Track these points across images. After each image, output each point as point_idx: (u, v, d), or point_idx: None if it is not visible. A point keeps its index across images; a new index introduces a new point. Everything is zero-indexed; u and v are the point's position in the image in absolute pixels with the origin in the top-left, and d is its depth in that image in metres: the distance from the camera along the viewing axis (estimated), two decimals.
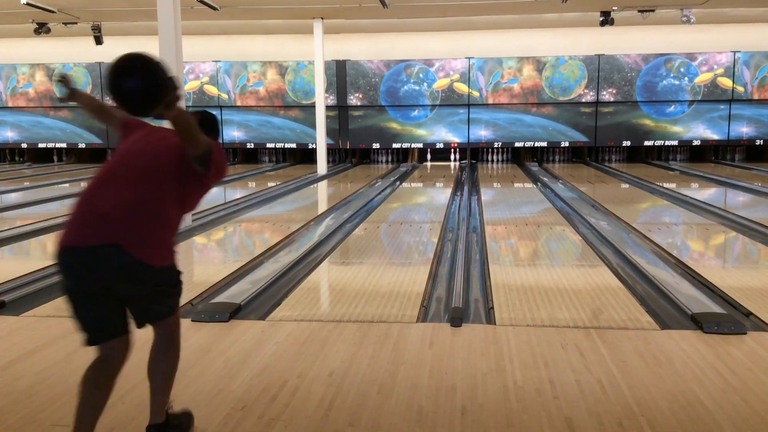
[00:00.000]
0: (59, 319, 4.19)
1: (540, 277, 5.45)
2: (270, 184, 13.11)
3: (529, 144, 17.08)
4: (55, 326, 4.07)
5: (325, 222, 8.47)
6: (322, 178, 14.35)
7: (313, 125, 16.15)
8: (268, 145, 17.85)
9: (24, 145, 17.99)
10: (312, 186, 13.13)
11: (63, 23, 14.35)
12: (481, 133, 17.08)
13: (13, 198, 11.34)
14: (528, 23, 15.58)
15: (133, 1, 12.38)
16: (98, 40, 14.53)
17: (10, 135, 18.06)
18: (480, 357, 3.59)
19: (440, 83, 16.85)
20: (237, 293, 4.92)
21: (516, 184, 13.09)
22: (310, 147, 17.26)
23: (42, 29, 14.53)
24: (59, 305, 4.54)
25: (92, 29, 14.40)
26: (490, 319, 4.32)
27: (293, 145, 17.71)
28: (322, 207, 10.67)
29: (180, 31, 7.79)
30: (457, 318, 4.17)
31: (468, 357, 3.60)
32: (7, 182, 13.50)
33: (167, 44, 7.65)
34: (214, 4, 12.66)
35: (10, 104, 17.87)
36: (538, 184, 12.68)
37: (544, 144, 17.03)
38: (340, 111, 17.30)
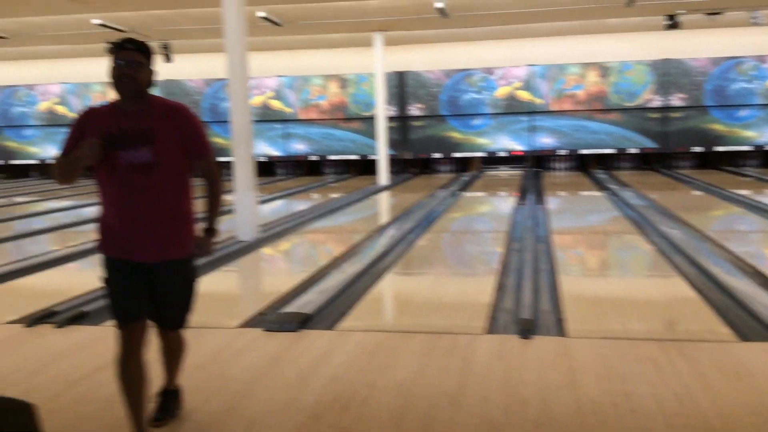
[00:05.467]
0: None
1: (611, 288, 5.33)
2: (332, 196, 13.26)
3: (595, 151, 16.76)
4: None
5: (388, 232, 8.48)
6: (384, 188, 14.42)
7: (374, 136, 16.26)
8: (330, 157, 18.07)
9: None
10: (374, 197, 13.21)
11: None
12: (545, 141, 16.87)
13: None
14: (591, 29, 15.33)
15: (201, 19, 12.76)
16: (167, 59, 15.01)
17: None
18: (552, 370, 3.53)
19: (501, 91, 16.74)
20: (305, 303, 4.98)
21: (582, 192, 12.86)
22: (371, 158, 17.37)
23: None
24: None
25: (161, 48, 14.88)
26: (560, 331, 4.25)
27: (355, 157, 17.87)
28: (384, 217, 10.72)
29: (246, 48, 7.97)
30: (527, 330, 4.11)
31: (539, 369, 3.54)
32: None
33: (234, 60, 7.84)
34: (278, 20, 12.93)
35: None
36: (606, 191, 12.41)
37: (611, 150, 16.69)
38: (400, 121, 17.38)
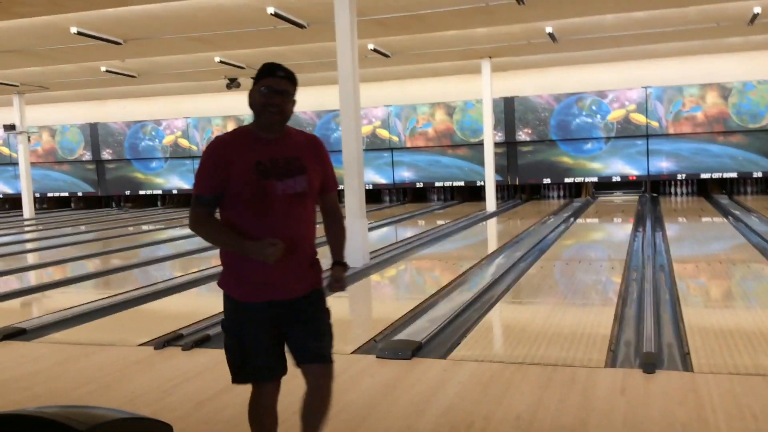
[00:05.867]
0: None
1: (739, 320, 5.03)
2: (439, 222, 13.28)
3: (716, 175, 15.93)
4: None
5: (497, 260, 8.39)
6: (492, 215, 14.29)
7: (481, 162, 16.20)
8: (437, 184, 18.14)
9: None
10: (481, 223, 13.11)
11: (251, 77, 15.63)
12: (662, 165, 16.21)
13: None
14: (710, 48, 14.68)
15: (314, 54, 13.24)
16: None
17: None
18: (678, 406, 3.37)
19: (615, 114, 16.28)
20: (416, 331, 4.99)
21: (704, 218, 12.24)
22: (478, 184, 17.29)
23: (233, 84, 15.93)
24: None
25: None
26: (686, 365, 4.04)
27: (461, 183, 17.85)
28: (493, 245, 10.61)
29: (357, 80, 8.19)
30: (651, 363, 3.94)
31: (665, 406, 3.38)
32: None
33: (346, 92, 8.07)
34: (387, 51, 13.21)
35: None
36: (729, 217, 11.74)
37: (734, 175, 15.81)
38: (508, 147, 17.23)
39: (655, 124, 16.04)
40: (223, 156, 2.46)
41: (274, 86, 2.47)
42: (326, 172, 2.64)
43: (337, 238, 2.76)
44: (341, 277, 2.71)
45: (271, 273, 2.47)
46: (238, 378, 2.61)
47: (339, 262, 2.74)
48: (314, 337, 2.59)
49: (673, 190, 16.85)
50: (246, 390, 3.85)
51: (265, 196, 2.44)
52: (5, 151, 21.33)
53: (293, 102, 2.54)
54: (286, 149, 2.52)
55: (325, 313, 2.66)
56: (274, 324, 2.53)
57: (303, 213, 2.53)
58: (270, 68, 2.50)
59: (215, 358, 4.50)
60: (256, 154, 2.46)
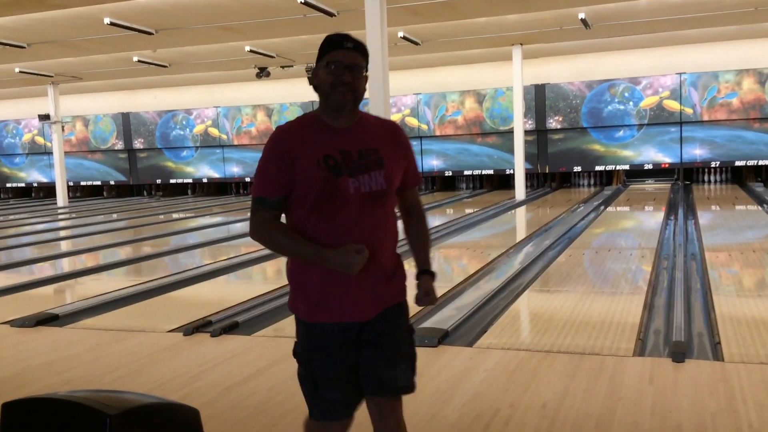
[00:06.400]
0: (285, 339, 4.53)
1: None
2: (468, 211, 13.22)
3: (752, 162, 15.59)
4: (283, 345, 4.40)
5: (525, 249, 8.33)
6: (521, 203, 14.19)
7: (510, 151, 16.08)
8: (466, 172, 18.05)
9: (248, 179, 19.86)
10: (510, 212, 13.02)
11: (281, 66, 15.72)
12: (696, 152, 15.91)
13: (239, 227, 12.48)
14: (746, 33, 14.33)
15: None
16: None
17: (235, 170, 20.04)
18: (708, 396, 3.32)
19: (648, 101, 16.01)
20: (443, 319, 4.99)
21: (738, 207, 11.99)
22: (507, 173, 17.17)
23: (263, 73, 16.01)
24: (280, 327, 4.93)
25: (306, 71, 15.55)
26: (717, 355, 3.98)
27: (490, 172, 17.74)
28: (521, 233, 10.54)
29: (387, 68, 8.17)
30: (680, 353, 3.88)
31: (694, 395, 3.33)
32: (235, 213, 14.94)
33: (376, 81, 8.04)
34: (417, 39, 13.15)
35: (235, 142, 19.85)
36: (765, 206, 11.50)
37: None
38: (538, 135, 17.06)
39: (689, 110, 15.74)
40: (286, 149, 2.08)
41: (342, 61, 2.07)
42: (409, 164, 2.24)
43: (422, 241, 2.35)
44: (431, 288, 2.28)
45: (343, 289, 2.09)
46: (313, 413, 2.18)
47: (426, 271, 2.32)
48: (388, 363, 2.15)
49: (706, 178, 16.55)
50: (275, 375, 3.90)
51: (336, 197, 2.06)
52: (40, 140, 21.74)
53: (366, 78, 2.14)
54: (361, 139, 2.12)
55: (406, 333, 2.24)
56: (349, 350, 2.13)
57: (381, 216, 2.13)
58: (336, 40, 2.11)
59: (243, 345, 4.56)
60: (324, 146, 2.08)
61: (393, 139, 2.20)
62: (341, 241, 2.04)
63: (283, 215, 2.15)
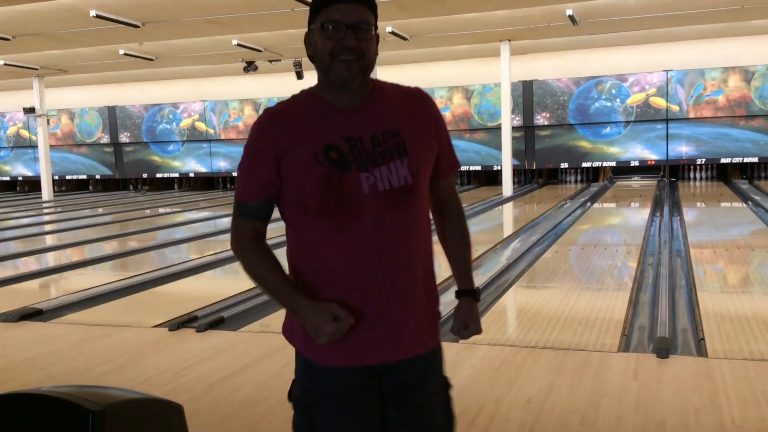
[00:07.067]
0: (271, 335, 4.52)
1: (756, 306, 4.97)
2: None
3: (737, 160, 15.71)
4: (268, 341, 4.38)
5: (512, 245, 8.35)
6: (508, 199, 14.22)
7: (498, 147, 16.10)
8: None
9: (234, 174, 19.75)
10: (497, 208, 13.06)
11: (268, 60, 15.64)
12: (682, 150, 16.01)
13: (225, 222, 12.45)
14: (733, 31, 14.41)
15: None
16: (299, 75, 15.61)
17: (222, 165, 19.95)
18: (691, 391, 3.34)
19: (635, 98, 16.07)
20: None
21: (723, 204, 12.09)
22: (495, 169, 17.20)
23: (250, 68, 15.92)
24: (266, 323, 4.91)
25: (294, 65, 15.51)
26: (700, 351, 4.01)
27: (478, 168, 17.76)
28: (508, 229, 10.57)
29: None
30: (664, 349, 3.91)
31: (678, 391, 3.36)
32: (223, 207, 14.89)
33: None
34: (405, 34, 13.13)
35: (222, 137, 19.75)
36: (749, 203, 11.59)
37: (755, 159, 15.57)
38: (526, 131, 17.10)
39: (675, 108, 15.82)
40: (272, 138, 1.57)
41: (342, 20, 1.52)
42: (441, 145, 1.70)
43: (461, 248, 1.81)
44: (476, 316, 1.77)
45: (363, 320, 1.58)
46: None
47: (468, 291, 1.78)
48: (423, 428, 1.68)
49: (692, 175, 16.65)
50: (260, 371, 3.88)
51: (344, 201, 1.55)
52: (25, 134, 21.53)
53: (376, 38, 1.60)
54: (375, 120, 1.59)
55: (443, 389, 1.73)
56: (367, 400, 1.63)
57: (409, 220, 1.61)
58: None
59: (229, 341, 4.54)
60: (324, 133, 1.57)
61: (418, 112, 1.65)
62: (354, 262, 1.56)
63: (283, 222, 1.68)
